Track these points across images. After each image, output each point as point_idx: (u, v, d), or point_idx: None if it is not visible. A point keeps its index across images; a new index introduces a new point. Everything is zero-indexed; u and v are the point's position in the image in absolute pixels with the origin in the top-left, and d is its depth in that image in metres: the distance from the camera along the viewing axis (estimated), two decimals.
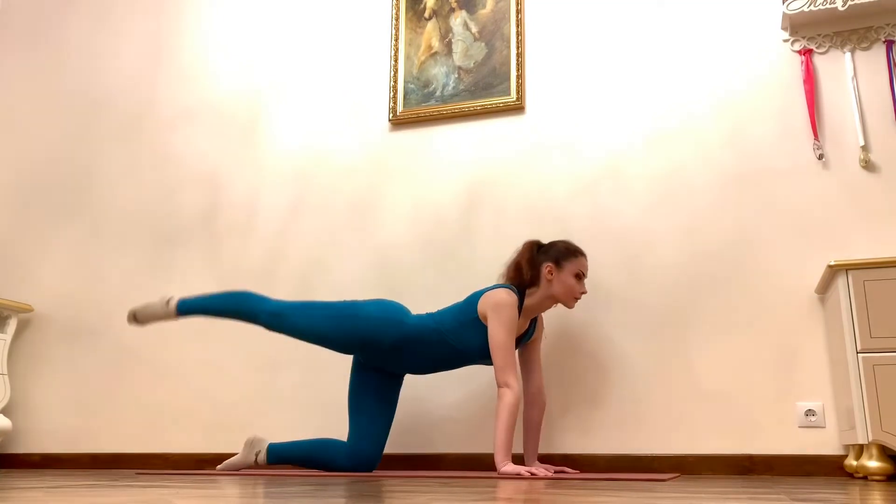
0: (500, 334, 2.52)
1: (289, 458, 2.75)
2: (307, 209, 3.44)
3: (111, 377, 3.50)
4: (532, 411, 2.73)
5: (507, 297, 2.56)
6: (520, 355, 2.78)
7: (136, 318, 2.81)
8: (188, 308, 2.77)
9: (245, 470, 2.82)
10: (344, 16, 3.64)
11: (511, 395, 2.47)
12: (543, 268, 2.64)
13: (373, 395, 2.75)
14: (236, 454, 2.86)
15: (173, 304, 2.78)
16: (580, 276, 2.65)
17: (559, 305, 2.72)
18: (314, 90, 3.59)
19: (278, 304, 2.71)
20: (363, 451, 2.67)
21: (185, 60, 3.84)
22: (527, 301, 2.64)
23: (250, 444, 2.79)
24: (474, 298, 2.63)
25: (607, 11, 3.26)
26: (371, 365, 2.76)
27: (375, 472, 2.66)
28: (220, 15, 3.85)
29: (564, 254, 2.65)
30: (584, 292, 2.66)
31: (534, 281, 2.64)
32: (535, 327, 2.74)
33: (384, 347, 2.63)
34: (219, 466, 2.82)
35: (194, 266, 3.52)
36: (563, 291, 2.63)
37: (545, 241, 2.81)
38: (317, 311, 2.67)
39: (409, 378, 3.05)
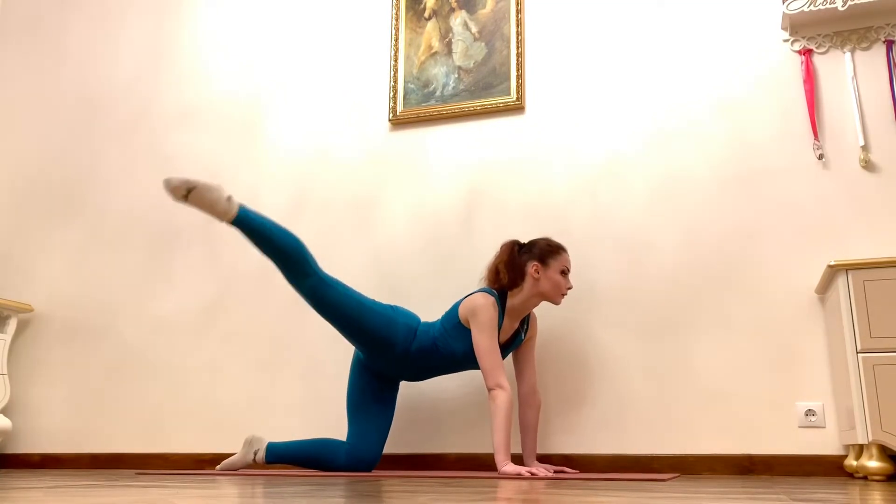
0: (481, 338, 2.54)
1: (287, 457, 2.75)
2: (307, 209, 3.44)
3: (111, 377, 3.50)
4: (528, 411, 2.74)
5: (483, 300, 2.59)
6: (514, 356, 2.79)
7: (189, 192, 2.48)
8: (247, 219, 2.54)
9: (244, 469, 2.82)
10: (344, 16, 3.64)
11: (504, 395, 2.47)
12: (529, 267, 2.64)
13: (372, 396, 2.75)
14: (235, 454, 2.86)
15: (235, 205, 2.52)
16: (565, 272, 2.66)
17: (544, 304, 2.73)
18: (314, 90, 3.59)
19: (325, 274, 2.66)
20: (362, 451, 2.67)
21: (184, 60, 3.84)
22: (510, 301, 2.65)
23: (249, 442, 2.80)
24: (457, 305, 2.67)
25: (607, 12, 3.26)
26: (371, 366, 2.76)
27: (375, 472, 2.66)
28: (220, 15, 3.85)
29: (548, 251, 2.66)
30: (570, 287, 2.68)
31: (515, 282, 2.65)
32: (527, 327, 2.75)
33: (393, 353, 2.66)
34: (218, 466, 2.82)
35: (194, 266, 3.52)
36: (551, 288, 2.64)
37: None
38: (357, 298, 2.66)
39: None
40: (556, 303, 2.68)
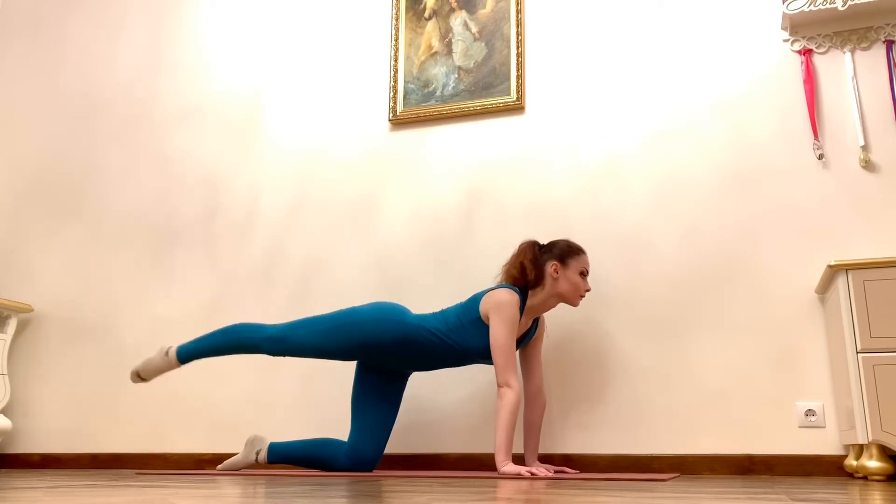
0: (501, 334, 2.52)
1: (289, 457, 2.75)
2: (307, 209, 3.44)
3: (111, 377, 3.50)
4: (532, 411, 2.74)
5: (509, 296, 2.56)
6: (521, 355, 2.78)
7: (140, 375, 2.78)
8: (187, 353, 2.75)
9: (245, 469, 2.83)
10: (344, 16, 3.64)
11: (512, 394, 2.47)
12: (549, 266, 2.64)
13: (376, 396, 2.75)
14: (236, 454, 2.86)
15: (172, 353, 2.76)
16: (584, 274, 2.66)
17: (560, 305, 2.71)
18: (314, 90, 3.59)
19: (276, 328, 2.70)
20: (363, 451, 2.67)
21: (184, 60, 3.84)
22: (530, 301, 2.64)
23: (251, 442, 2.80)
24: (476, 298, 2.63)
25: (607, 11, 3.26)
26: (376, 366, 2.76)
27: (375, 472, 2.66)
28: (220, 14, 3.85)
29: (568, 252, 2.66)
30: (588, 289, 2.67)
31: (538, 281, 2.64)
32: (536, 327, 2.75)
33: (385, 348, 2.63)
34: (219, 466, 2.83)
35: (194, 266, 3.52)
36: (570, 289, 2.63)
37: (544, 241, 2.82)
38: (315, 326, 2.66)
39: (410, 378, 3.05)
40: (575, 304, 2.67)
